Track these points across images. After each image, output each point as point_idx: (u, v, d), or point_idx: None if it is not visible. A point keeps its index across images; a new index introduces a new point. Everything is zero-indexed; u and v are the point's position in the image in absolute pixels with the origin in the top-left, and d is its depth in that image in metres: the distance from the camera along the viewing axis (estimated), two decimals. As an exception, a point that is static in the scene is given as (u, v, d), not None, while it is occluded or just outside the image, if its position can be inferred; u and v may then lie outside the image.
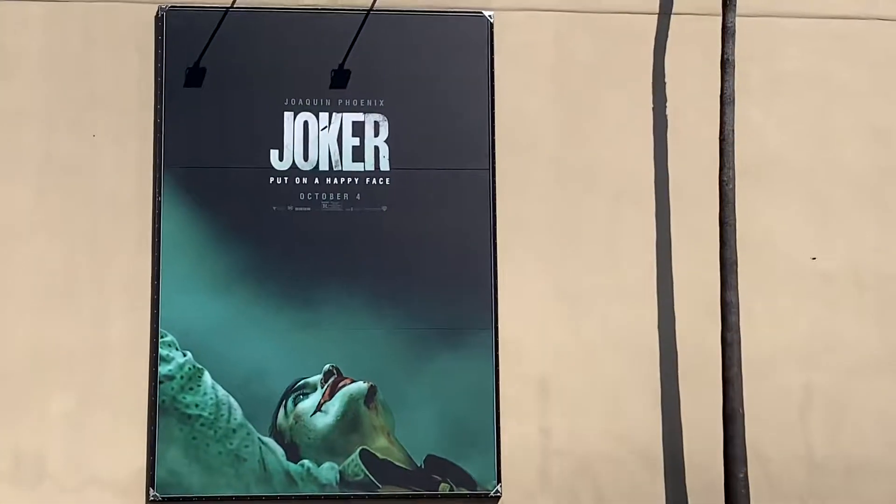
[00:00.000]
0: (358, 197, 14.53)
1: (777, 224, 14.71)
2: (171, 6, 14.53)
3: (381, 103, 14.78)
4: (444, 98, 14.88)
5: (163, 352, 14.00)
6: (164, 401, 13.91)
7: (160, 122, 14.32)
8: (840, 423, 14.26)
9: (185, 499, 13.76)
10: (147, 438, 13.83)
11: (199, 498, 13.79)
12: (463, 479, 14.04)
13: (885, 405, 14.31)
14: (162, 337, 14.02)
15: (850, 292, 14.54)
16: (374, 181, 14.62)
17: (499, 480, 14.01)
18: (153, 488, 13.78)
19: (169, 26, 14.46)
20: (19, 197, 14.03)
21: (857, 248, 14.71)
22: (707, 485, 13.65)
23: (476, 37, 14.91)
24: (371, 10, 14.61)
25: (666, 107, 14.92)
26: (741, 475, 12.44)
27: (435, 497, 13.81)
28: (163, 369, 14.01)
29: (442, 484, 14.03)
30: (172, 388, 13.96)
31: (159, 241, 14.10)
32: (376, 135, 14.77)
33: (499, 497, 13.91)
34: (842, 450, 14.13)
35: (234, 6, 14.47)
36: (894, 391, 14.40)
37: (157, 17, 14.41)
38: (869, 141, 15.10)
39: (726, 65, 13.64)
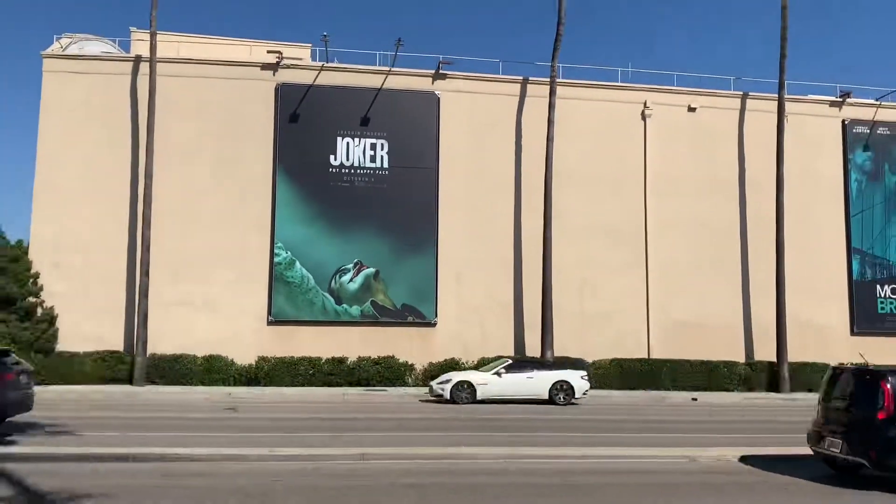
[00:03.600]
0: (373, 180, 29.83)
1: (572, 202, 30.49)
2: (283, 83, 29.65)
3: (385, 134, 30.10)
4: (416, 134, 30.32)
5: (276, 251, 28.92)
6: (277, 274, 28.82)
7: (276, 139, 29.40)
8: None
9: (285, 321, 28.71)
10: (268, 292, 28.73)
11: (292, 321, 28.74)
12: (420, 315, 29.27)
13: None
14: (276, 244, 28.92)
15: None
16: (381, 173, 29.92)
17: (436, 316, 29.29)
18: (270, 315, 28.61)
19: (282, 92, 29.54)
20: (200, 177, 29.02)
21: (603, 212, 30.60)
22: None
23: (432, 104, 30.47)
24: (381, 88, 30.02)
25: (521, 143, 30.63)
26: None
27: (406, 324, 29.08)
28: (276, 259, 28.92)
29: (409, 317, 29.23)
30: (280, 267, 28.93)
31: (275, 200, 29.37)
32: (382, 149, 30.01)
33: (436, 324, 29.20)
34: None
35: (314, 84, 29.66)
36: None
37: (276, 88, 29.50)
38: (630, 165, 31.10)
39: (550, 123, 29.11)
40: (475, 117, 31.32)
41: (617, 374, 29.62)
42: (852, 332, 32.98)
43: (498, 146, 31.58)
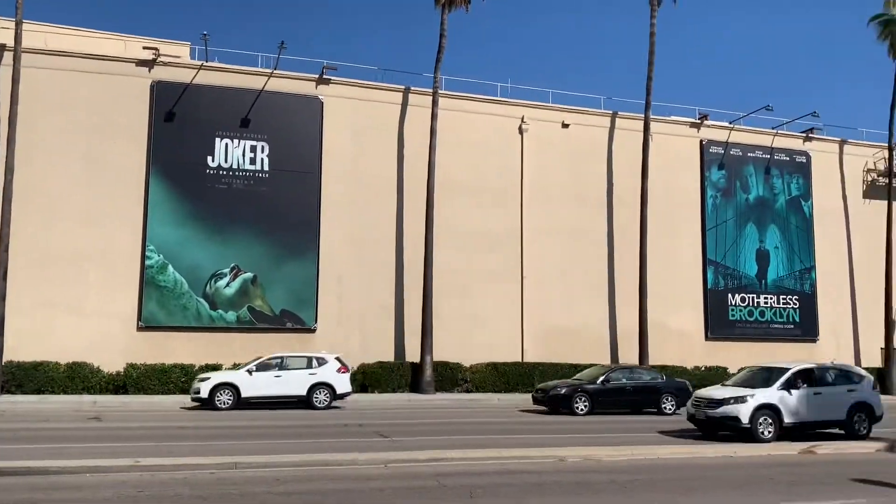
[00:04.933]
0: (253, 183, 29.44)
1: (454, 210, 31.25)
2: (159, 81, 28.76)
3: (266, 136, 29.79)
4: (298, 137, 30.16)
5: (148, 253, 28.01)
6: (148, 278, 27.91)
7: (151, 138, 28.51)
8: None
9: (157, 327, 27.84)
10: (138, 296, 27.80)
11: (164, 326, 27.90)
12: (299, 321, 29.12)
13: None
14: (148, 246, 28.00)
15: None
16: (261, 175, 29.58)
17: (316, 321, 29.23)
18: (140, 320, 27.68)
19: (158, 90, 28.66)
20: (68, 173, 27.68)
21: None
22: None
23: (315, 108, 30.51)
24: (262, 90, 29.69)
25: (404, 151, 31.13)
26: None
27: (285, 330, 28.87)
28: (148, 262, 28.00)
29: (288, 323, 29.00)
30: (152, 271, 28.05)
31: (147, 200, 28.54)
32: (263, 151, 29.70)
33: (316, 329, 29.14)
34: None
35: (192, 83, 28.94)
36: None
37: (151, 86, 28.58)
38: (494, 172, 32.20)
39: (433, 133, 29.73)
40: (358, 123, 31.55)
41: (493, 376, 30.61)
42: (706, 338, 35.66)
43: (381, 152, 31.96)
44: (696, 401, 17.83)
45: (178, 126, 29.22)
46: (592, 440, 15.92)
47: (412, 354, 30.20)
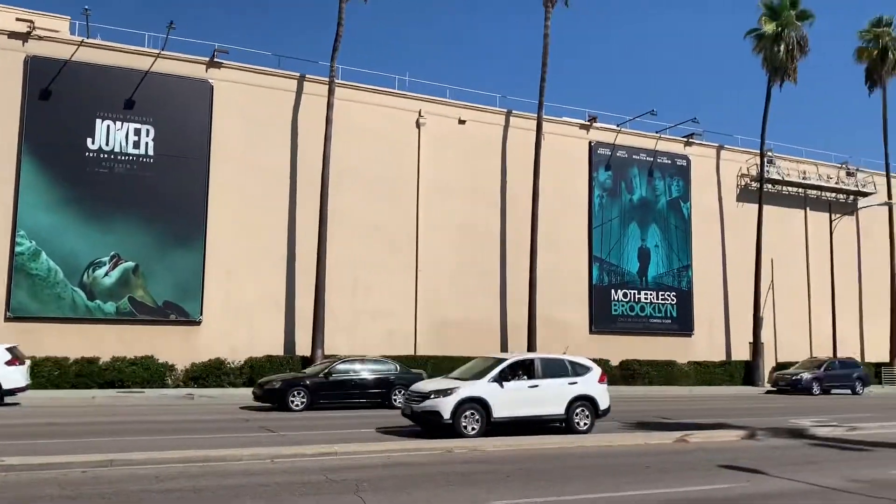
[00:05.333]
0: (136, 168, 28.13)
1: (350, 202, 30.95)
2: (34, 56, 26.95)
3: (151, 119, 28.45)
4: (186, 122, 29.05)
5: (18, 240, 26.28)
6: (18, 265, 26.16)
7: (24, 117, 26.65)
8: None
9: (27, 317, 26.17)
10: (7, 284, 26.07)
11: (36, 317, 26.26)
12: (183, 312, 28.07)
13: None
14: (18, 232, 26.26)
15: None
16: (145, 160, 28.32)
17: (202, 314, 28.26)
18: (9, 310, 25.91)
19: (32, 66, 26.83)
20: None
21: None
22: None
23: (205, 92, 29.43)
24: (148, 71, 28.37)
25: (298, 140, 30.54)
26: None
27: (168, 322, 27.75)
28: (18, 248, 26.26)
29: (171, 315, 27.91)
30: (23, 258, 26.36)
31: (18, 183, 26.71)
32: (148, 135, 28.39)
33: (201, 322, 28.18)
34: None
35: (71, 60, 27.27)
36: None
37: (25, 60, 26.75)
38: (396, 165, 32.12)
39: (328, 122, 29.30)
40: (251, 110, 30.64)
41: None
42: (591, 331, 37.05)
43: (274, 141, 31.21)
44: (408, 394, 16.52)
45: (55, 105, 27.37)
46: (281, 439, 14.44)
47: (304, 348, 29.72)
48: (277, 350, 29.53)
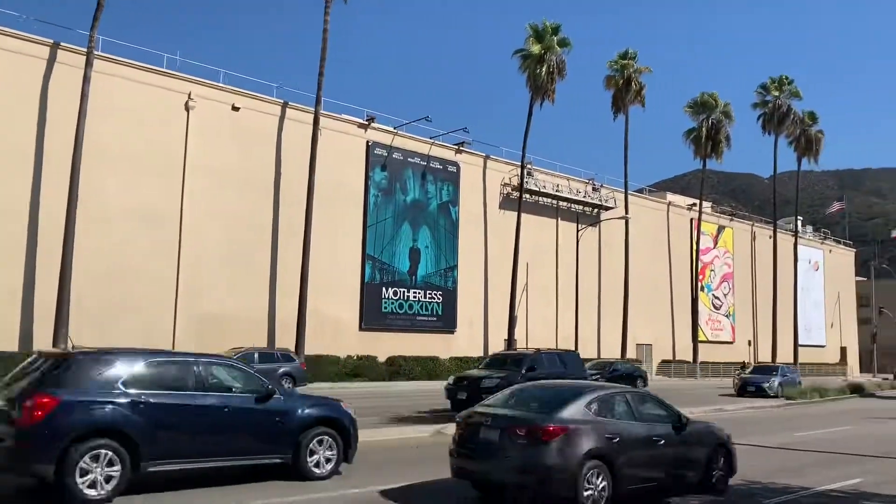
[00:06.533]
0: None
1: (105, 184, 28.40)
2: None
3: None
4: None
5: None
6: None
7: None
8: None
9: None
10: None
11: None
12: None
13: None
14: None
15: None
16: None
17: None
18: None
19: None
20: None
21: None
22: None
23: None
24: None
25: (47, 114, 27.49)
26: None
27: None
28: None
29: None
30: None
31: None
32: None
33: None
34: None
35: None
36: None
37: None
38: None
39: (84, 97, 26.61)
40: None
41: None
42: (360, 328, 37.61)
43: (17, 113, 27.77)
44: None
45: None
46: None
47: (44, 342, 26.74)
48: (11, 345, 26.29)
